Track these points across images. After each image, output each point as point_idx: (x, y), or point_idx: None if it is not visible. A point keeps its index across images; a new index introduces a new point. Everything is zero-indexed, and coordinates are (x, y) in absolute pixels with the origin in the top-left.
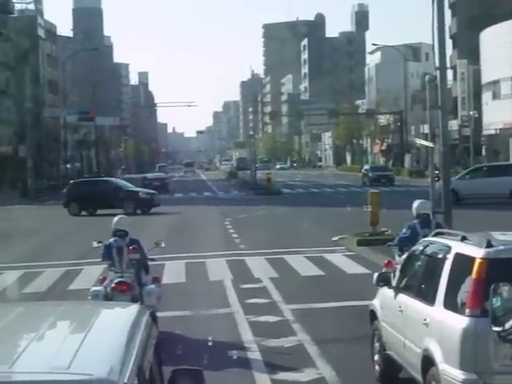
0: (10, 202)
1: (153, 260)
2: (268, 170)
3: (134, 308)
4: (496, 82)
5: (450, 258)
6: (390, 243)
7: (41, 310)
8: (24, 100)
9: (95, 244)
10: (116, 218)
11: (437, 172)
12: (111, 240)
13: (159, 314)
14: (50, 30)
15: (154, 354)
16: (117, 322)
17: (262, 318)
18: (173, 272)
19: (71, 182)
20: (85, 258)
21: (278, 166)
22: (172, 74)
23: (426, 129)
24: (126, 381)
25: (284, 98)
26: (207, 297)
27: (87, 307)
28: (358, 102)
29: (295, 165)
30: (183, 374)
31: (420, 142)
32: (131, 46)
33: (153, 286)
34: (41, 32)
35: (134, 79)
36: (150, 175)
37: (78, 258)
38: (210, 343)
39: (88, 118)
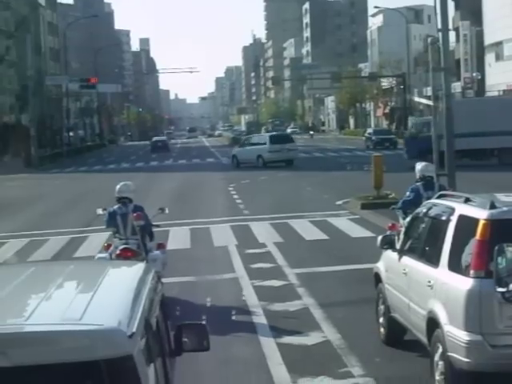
0: (14, 170)
1: (157, 226)
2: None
3: (141, 266)
4: (499, 44)
5: (454, 219)
6: (393, 206)
7: (52, 268)
8: (25, 68)
9: (100, 211)
10: (118, 186)
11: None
12: (115, 207)
13: (164, 280)
14: None
15: (160, 310)
16: (124, 278)
17: (267, 283)
18: (177, 238)
19: None
20: (90, 226)
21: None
22: (173, 40)
23: (428, 91)
24: (134, 330)
25: (286, 62)
26: (212, 262)
27: (96, 265)
28: (361, 65)
29: (311, 132)
30: (188, 328)
31: (419, 100)
32: (132, 12)
33: (158, 252)
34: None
35: (135, 46)
36: (154, 138)
37: (83, 226)
38: (216, 308)
39: (90, 85)
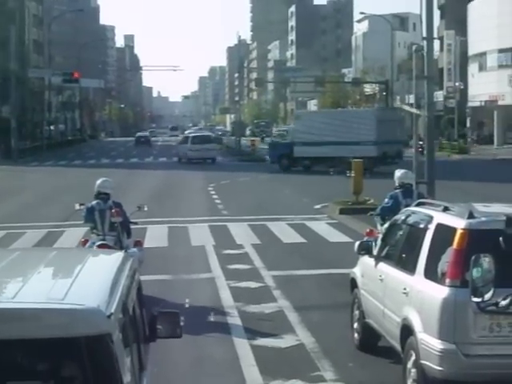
0: None
1: (135, 223)
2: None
3: (120, 255)
4: (482, 54)
5: (432, 228)
6: (372, 212)
7: (36, 254)
8: (8, 60)
9: (78, 206)
10: (99, 181)
11: (421, 143)
12: (94, 202)
13: (140, 278)
14: None
15: (137, 297)
16: (104, 265)
17: (243, 284)
18: (155, 236)
19: None
20: (67, 220)
21: (275, 132)
22: (158, 38)
23: (411, 99)
24: (112, 311)
25: (270, 64)
26: (189, 261)
27: (78, 253)
28: (345, 70)
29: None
30: (162, 316)
31: (406, 108)
32: (117, 8)
33: (134, 250)
34: None
35: (119, 42)
36: (138, 133)
37: (61, 220)
38: (191, 308)
39: (73, 79)
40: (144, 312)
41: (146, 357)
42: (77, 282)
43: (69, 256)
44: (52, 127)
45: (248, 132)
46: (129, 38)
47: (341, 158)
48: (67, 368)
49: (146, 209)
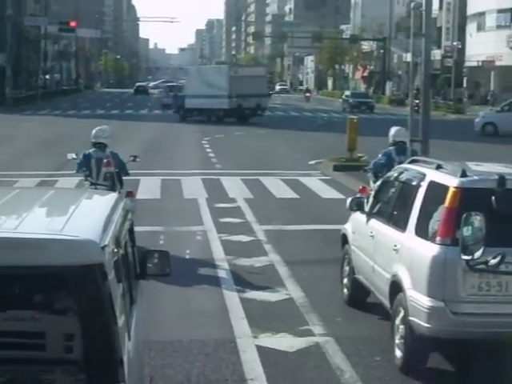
0: None
1: (127, 174)
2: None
3: (114, 195)
4: (481, 14)
5: (424, 185)
6: (365, 167)
7: (35, 192)
8: (4, 8)
9: (73, 155)
10: (94, 130)
11: (417, 101)
12: (91, 150)
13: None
14: None
15: (129, 236)
16: (100, 202)
17: (235, 238)
18: (148, 188)
19: None
20: (60, 170)
21: (277, 88)
22: None
23: (408, 57)
24: (106, 243)
25: (268, 18)
26: (181, 214)
27: (74, 191)
28: (343, 26)
29: (308, 95)
30: (152, 254)
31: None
32: None
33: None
34: None
35: None
36: (137, 84)
37: (53, 170)
38: (182, 259)
39: (69, 28)
40: (135, 250)
41: (136, 292)
42: (73, 217)
43: (65, 194)
44: (47, 76)
45: None
46: None
47: (211, 110)
48: (62, 298)
49: (138, 160)
